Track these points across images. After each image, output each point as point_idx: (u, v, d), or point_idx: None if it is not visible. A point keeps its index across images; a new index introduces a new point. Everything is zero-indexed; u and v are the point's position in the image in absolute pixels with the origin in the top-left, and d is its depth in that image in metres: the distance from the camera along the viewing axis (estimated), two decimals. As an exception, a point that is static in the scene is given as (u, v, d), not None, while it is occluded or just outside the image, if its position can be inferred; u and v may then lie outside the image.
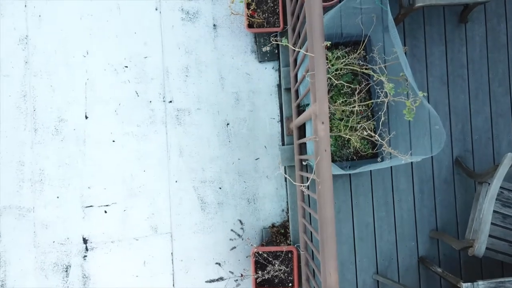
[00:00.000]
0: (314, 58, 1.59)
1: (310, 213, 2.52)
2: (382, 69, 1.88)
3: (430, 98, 2.60)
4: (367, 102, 1.96)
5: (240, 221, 2.41)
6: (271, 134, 2.74)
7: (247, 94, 2.72)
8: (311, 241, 2.38)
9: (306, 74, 1.76)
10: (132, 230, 2.43)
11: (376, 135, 1.67)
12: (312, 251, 2.42)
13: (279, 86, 2.77)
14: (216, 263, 2.40)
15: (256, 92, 2.74)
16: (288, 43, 2.45)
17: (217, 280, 2.19)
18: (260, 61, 2.73)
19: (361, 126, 1.94)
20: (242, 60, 2.71)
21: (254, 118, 2.72)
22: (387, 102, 1.70)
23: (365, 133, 1.70)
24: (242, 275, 2.29)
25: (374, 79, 2.04)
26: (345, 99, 1.98)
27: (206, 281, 2.19)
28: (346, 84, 1.89)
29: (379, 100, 1.78)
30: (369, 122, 1.95)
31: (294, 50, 2.40)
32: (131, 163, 2.46)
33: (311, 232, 2.50)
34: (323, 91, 1.61)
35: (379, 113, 1.80)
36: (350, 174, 2.57)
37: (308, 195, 2.54)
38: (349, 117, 2.11)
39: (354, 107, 1.94)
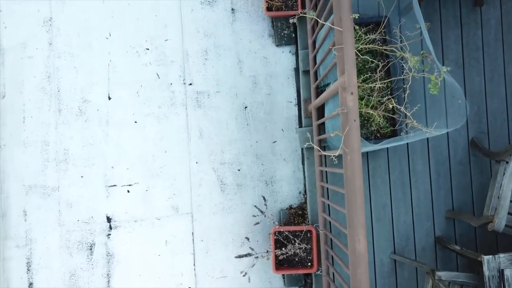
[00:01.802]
0: (343, 31, 1.63)
1: (328, 193, 2.56)
2: (404, 46, 1.92)
3: (446, 81, 2.64)
4: (390, 79, 1.99)
5: (264, 197, 2.44)
6: (288, 117, 2.77)
7: (265, 77, 2.76)
8: (329, 214, 2.41)
9: (332, 48, 1.79)
10: (154, 210, 2.47)
11: (402, 107, 1.71)
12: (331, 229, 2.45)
13: (296, 69, 2.81)
14: (245, 238, 2.43)
15: (273, 75, 2.77)
16: (307, 23, 2.49)
17: (245, 255, 2.23)
18: (277, 45, 2.77)
19: (385, 100, 1.98)
20: (260, 44, 2.75)
21: (271, 102, 2.75)
22: (411, 77, 1.74)
23: (391, 105, 1.73)
24: (267, 251, 2.32)
25: (395, 57, 2.08)
26: (367, 75, 2.01)
27: (236, 256, 2.22)
28: (370, 59, 1.92)
29: (403, 76, 1.81)
30: (391, 96, 1.98)
31: (313, 33, 2.44)
32: (153, 144, 2.50)
33: (329, 210, 2.54)
34: (352, 63, 1.64)
35: (403, 87, 1.83)
36: (367, 155, 2.61)
37: (327, 175, 2.58)
38: (370, 95, 2.14)
39: (376, 84, 1.97)
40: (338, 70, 1.78)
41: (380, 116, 1.93)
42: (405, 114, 1.92)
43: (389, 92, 2.30)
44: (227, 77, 2.69)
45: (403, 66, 1.89)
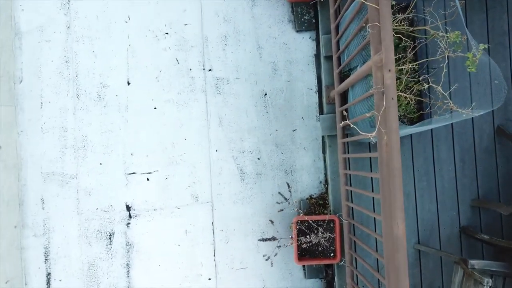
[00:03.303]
0: (380, 5, 1.56)
1: (351, 181, 2.50)
2: (437, 26, 1.85)
3: (471, 73, 2.57)
4: (419, 62, 1.93)
5: (288, 184, 2.37)
6: (308, 105, 2.71)
7: (284, 64, 2.70)
8: (351, 199, 2.35)
9: (366, 25, 1.73)
10: (173, 199, 2.40)
11: (439, 87, 1.65)
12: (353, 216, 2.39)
13: (316, 56, 2.75)
14: (270, 220, 2.36)
15: (293, 62, 2.71)
16: (330, 7, 2.43)
17: (269, 239, 2.17)
18: (297, 31, 2.70)
19: (413, 84, 1.92)
20: (279, 29, 2.69)
21: (291, 89, 2.69)
22: (446, 56, 1.67)
23: (424, 86, 1.67)
24: (291, 237, 2.26)
25: (424, 39, 2.01)
26: (397, 56, 1.95)
27: (259, 239, 2.16)
28: (403, 38, 1.86)
29: (437, 57, 1.75)
30: (421, 79, 1.92)
31: (336, 17, 2.38)
32: (172, 131, 2.44)
33: (352, 199, 2.48)
34: (390, 39, 1.58)
35: (435, 68, 1.76)
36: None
37: (349, 163, 2.52)
38: (398, 78, 2.08)
39: (406, 66, 1.91)
40: (372, 48, 1.72)
41: (411, 99, 1.86)
42: (439, 95, 1.86)
43: (417, 76, 2.24)
44: (246, 63, 2.63)
45: (438, 45, 1.83)
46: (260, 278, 2.54)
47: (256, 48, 2.65)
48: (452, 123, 2.58)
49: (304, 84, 2.72)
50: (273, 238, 2.17)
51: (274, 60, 2.68)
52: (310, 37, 2.73)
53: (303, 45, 2.72)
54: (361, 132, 1.71)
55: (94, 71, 2.35)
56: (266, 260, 2.17)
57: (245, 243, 2.53)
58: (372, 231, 1.95)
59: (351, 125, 2.39)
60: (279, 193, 2.46)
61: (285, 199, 2.31)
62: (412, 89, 2.09)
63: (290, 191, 2.48)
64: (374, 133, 1.62)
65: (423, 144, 2.55)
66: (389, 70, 1.57)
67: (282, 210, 2.33)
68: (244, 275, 2.51)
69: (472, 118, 2.58)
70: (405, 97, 1.82)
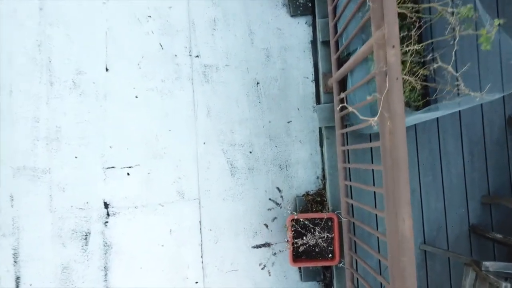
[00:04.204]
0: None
1: (351, 175, 2.30)
2: (445, 3, 1.66)
3: (480, 55, 2.38)
4: (428, 42, 1.74)
5: (278, 188, 2.18)
6: (304, 94, 2.52)
7: (278, 50, 2.51)
8: (351, 196, 2.15)
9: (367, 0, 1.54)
10: (157, 195, 2.21)
11: (449, 66, 1.45)
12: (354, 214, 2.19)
13: (313, 42, 2.56)
14: (264, 224, 2.17)
15: (288, 48, 2.52)
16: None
17: (263, 245, 1.97)
18: (292, 15, 2.51)
19: (418, 68, 1.72)
20: (273, 14, 2.50)
21: (286, 77, 2.50)
22: (457, 31, 1.48)
23: (434, 66, 1.48)
24: (287, 240, 2.06)
25: (429, 19, 1.82)
26: (401, 35, 1.75)
27: (253, 247, 1.96)
28: (408, 14, 1.67)
29: (447, 36, 1.56)
30: (434, 55, 1.72)
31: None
32: (156, 122, 2.24)
33: (351, 195, 2.28)
34: (393, 12, 1.39)
35: (449, 44, 1.57)
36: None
37: (349, 156, 2.32)
38: (402, 61, 1.88)
39: (409, 47, 1.72)
40: (373, 25, 1.53)
41: (417, 82, 1.67)
42: (447, 78, 1.66)
43: (422, 60, 2.05)
44: (237, 49, 2.44)
45: (445, 25, 1.64)
46: (252, 281, 2.34)
47: (247, 33, 2.46)
48: (460, 114, 2.39)
49: (300, 72, 2.53)
50: (267, 244, 1.98)
51: (267, 47, 2.49)
52: (306, 22, 2.54)
53: (299, 30, 2.53)
54: (361, 117, 1.51)
55: (69, 57, 2.16)
56: (262, 269, 1.98)
57: (236, 243, 2.33)
58: (374, 229, 1.76)
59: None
60: (270, 199, 2.27)
61: (277, 204, 2.12)
62: (416, 73, 1.90)
63: (281, 196, 2.29)
64: (376, 118, 1.43)
65: (429, 136, 2.36)
66: (393, 46, 1.38)
67: (276, 218, 2.15)
68: (235, 278, 2.31)
69: (482, 107, 2.39)
70: (409, 82, 1.62)
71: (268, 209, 2.30)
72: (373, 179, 2.34)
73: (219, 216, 2.32)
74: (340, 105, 1.78)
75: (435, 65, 1.47)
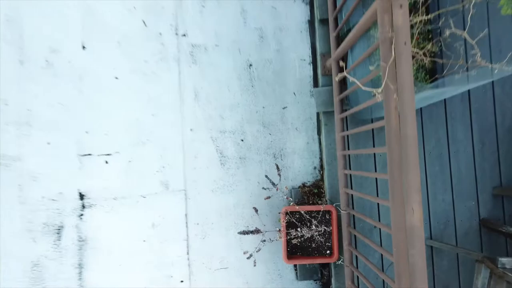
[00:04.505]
0: None
1: (351, 164, 2.11)
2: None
3: (491, 35, 2.19)
4: (438, 12, 1.55)
5: (277, 165, 1.98)
6: (301, 78, 2.33)
7: (273, 31, 2.31)
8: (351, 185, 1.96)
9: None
10: (138, 186, 2.02)
11: (464, 33, 1.26)
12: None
13: (310, 22, 2.37)
14: (253, 208, 1.96)
15: (283, 29, 2.33)
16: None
17: (251, 232, 1.78)
18: (288, -7, 2.32)
19: (425, 44, 1.53)
20: (267, -9, 2.30)
21: (281, 60, 2.31)
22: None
23: (448, 31, 1.29)
24: (279, 229, 1.87)
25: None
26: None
27: (239, 232, 1.77)
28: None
29: (458, 5, 1.37)
30: (447, 21, 1.53)
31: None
32: (138, 106, 2.05)
33: (351, 186, 2.09)
34: (400, -35, 1.20)
35: (463, 7, 1.38)
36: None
37: (349, 143, 2.14)
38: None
39: (418, 18, 1.53)
40: (376, -14, 1.34)
41: (425, 59, 1.48)
42: (459, 52, 1.47)
43: (430, 36, 1.86)
44: (228, 28, 2.25)
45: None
46: (243, 280, 2.15)
47: (239, 11, 2.27)
48: (469, 98, 2.20)
49: (296, 54, 2.34)
50: (257, 231, 1.78)
51: (260, 26, 2.30)
52: (303, 0, 2.35)
53: (295, 9, 2.34)
54: (364, 88, 1.32)
55: (42, 33, 1.96)
56: (248, 258, 1.79)
57: (226, 238, 2.14)
58: (376, 221, 1.57)
59: (351, 96, 2.01)
60: (266, 176, 2.08)
61: (273, 184, 1.92)
62: (423, 49, 1.71)
63: (279, 174, 2.09)
64: (380, 89, 1.23)
65: (436, 122, 2.17)
66: (400, 6, 1.19)
67: (269, 197, 1.95)
68: (224, 277, 2.12)
69: (493, 91, 2.20)
70: (416, 60, 1.43)
71: (263, 188, 2.10)
72: (375, 169, 2.15)
73: (208, 209, 2.12)
74: (339, 75, 1.58)
75: (448, 32, 1.28)
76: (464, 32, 1.27)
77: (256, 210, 1.90)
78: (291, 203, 1.96)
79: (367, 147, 2.14)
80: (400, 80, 1.18)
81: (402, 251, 1.24)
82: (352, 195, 2.11)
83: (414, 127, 1.19)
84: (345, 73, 1.43)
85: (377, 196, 2.13)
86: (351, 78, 1.25)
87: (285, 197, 2.02)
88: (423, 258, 1.16)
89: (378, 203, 2.13)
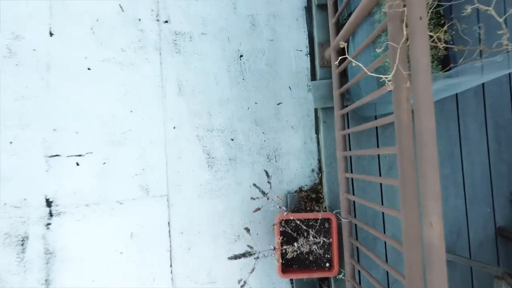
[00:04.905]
0: None
1: (352, 167, 1.89)
2: None
3: (509, 24, 1.97)
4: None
5: (266, 172, 1.77)
6: (298, 71, 2.11)
7: (266, 18, 2.09)
8: (352, 191, 1.75)
9: None
10: (114, 190, 1.79)
11: (491, 8, 1.04)
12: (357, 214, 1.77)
13: (307, 8, 2.15)
14: (245, 228, 1.75)
15: (277, 16, 2.11)
16: None
17: (242, 255, 1.56)
18: (283, -24, 2.10)
19: (439, 30, 1.32)
20: (260, -26, 2.08)
21: (275, 50, 2.09)
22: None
23: (469, 8, 1.07)
24: (274, 247, 1.66)
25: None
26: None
27: (229, 258, 1.56)
28: None
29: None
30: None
31: None
32: (113, 100, 1.83)
33: (353, 191, 1.87)
34: None
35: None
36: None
37: (350, 143, 1.92)
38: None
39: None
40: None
41: (441, 40, 1.26)
42: (480, 36, 1.25)
43: (442, 22, 1.64)
44: (216, 15, 2.03)
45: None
46: (233, 295, 1.93)
47: (229, -4, 2.05)
48: (484, 93, 1.98)
49: (292, 44, 2.12)
50: (249, 254, 1.56)
51: (252, 13, 2.08)
52: (299, -16, 2.13)
53: (291, -6, 2.12)
54: (369, 73, 1.10)
55: (3, 17, 1.73)
56: (242, 286, 1.57)
57: (214, 249, 1.92)
58: (383, 234, 1.35)
59: (352, 90, 1.79)
60: (254, 185, 1.86)
61: (263, 193, 1.71)
62: (437, 32, 1.49)
63: (269, 182, 1.88)
64: (390, 76, 1.02)
65: (446, 119, 1.95)
66: (416, -27, 0.97)
67: (259, 209, 1.74)
68: (213, 292, 1.89)
69: (510, 86, 1.99)
70: (438, 36, 1.21)
71: (251, 198, 1.88)
72: (379, 171, 1.93)
73: (193, 217, 1.90)
74: (340, 58, 1.36)
75: (469, 9, 1.06)
76: (490, 8, 1.05)
77: (248, 230, 1.68)
78: (286, 212, 1.74)
79: (370, 147, 1.92)
80: (414, 63, 0.96)
81: (416, 274, 1.02)
82: (354, 201, 1.89)
83: (432, 120, 0.97)
84: (348, 57, 1.21)
85: (382, 202, 1.92)
86: (354, 62, 1.03)
87: (278, 206, 1.80)
88: (444, 282, 0.95)
89: (382, 191, 1.91)
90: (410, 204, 1.06)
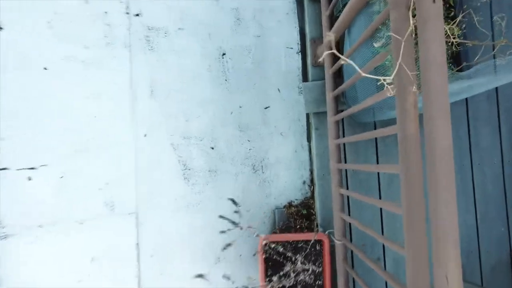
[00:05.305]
0: None
1: (348, 181, 1.66)
2: None
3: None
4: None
5: (233, 200, 1.56)
6: (288, 70, 1.88)
7: (253, 12, 1.86)
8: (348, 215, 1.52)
9: None
10: (73, 208, 1.56)
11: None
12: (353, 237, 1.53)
13: (298, 1, 1.92)
14: (199, 275, 1.53)
15: (265, 9, 1.88)
16: None
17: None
18: (271, -36, 1.87)
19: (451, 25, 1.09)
20: (245, -38, 1.86)
21: (262, 47, 1.86)
22: None
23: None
24: (259, 284, 1.44)
25: None
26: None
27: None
28: None
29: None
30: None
31: None
32: (74, 104, 1.59)
33: (349, 208, 1.63)
34: None
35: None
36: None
37: (345, 153, 1.68)
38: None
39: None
40: None
41: (455, 36, 1.03)
42: (502, 26, 1.03)
43: (451, 14, 1.41)
44: (195, 7, 1.79)
45: None
46: (213, 325, 1.69)
47: (210, -14, 1.82)
48: (497, 95, 1.75)
49: (282, 40, 1.89)
50: (228, 278, 1.32)
51: (237, 6, 1.85)
52: (289, -26, 1.90)
53: (280, -16, 1.89)
54: (364, 74, 0.87)
55: None
56: None
57: (190, 274, 1.68)
58: (382, 271, 1.12)
59: (348, 92, 1.56)
60: (221, 217, 1.64)
61: (234, 223, 1.48)
62: (448, 24, 1.26)
63: (237, 211, 1.66)
64: (389, 77, 0.79)
65: (455, 125, 1.73)
66: None
67: (229, 245, 1.52)
68: (189, 322, 1.66)
69: (527, 88, 1.76)
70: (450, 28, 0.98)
71: (221, 232, 1.66)
72: (378, 186, 1.70)
73: (166, 237, 1.67)
74: (326, 52, 1.13)
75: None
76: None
77: (228, 278, 1.45)
78: (264, 235, 1.51)
79: (369, 157, 1.69)
80: (425, 61, 0.73)
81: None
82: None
83: (448, 138, 0.74)
84: (337, 53, 0.98)
85: (382, 224, 1.68)
86: (345, 60, 0.80)
87: (255, 235, 1.56)
88: None
89: (383, 227, 1.68)
90: (417, 244, 0.83)
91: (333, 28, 1.43)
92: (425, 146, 0.78)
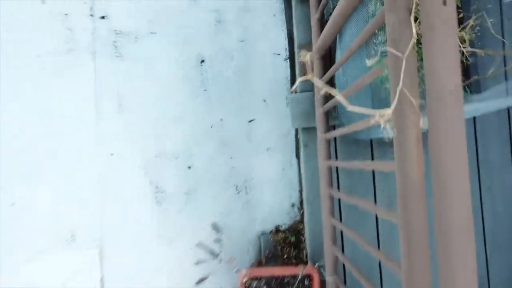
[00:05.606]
0: None
1: (341, 208, 1.47)
2: None
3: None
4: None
5: (214, 225, 1.36)
6: (275, 79, 1.69)
7: (236, 13, 1.67)
8: (342, 248, 1.32)
9: None
10: (24, 241, 1.36)
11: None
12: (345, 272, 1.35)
13: (286, 1, 1.73)
14: None
15: (250, 10, 1.69)
16: None
17: None
18: (255, -39, 1.68)
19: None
20: (226, -42, 1.66)
21: (246, 54, 1.67)
22: None
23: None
24: None
25: None
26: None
27: None
28: None
29: None
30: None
31: None
32: (26, 119, 1.40)
33: (342, 239, 1.44)
34: None
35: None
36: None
37: (338, 176, 1.49)
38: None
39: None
40: None
41: (465, 42, 0.84)
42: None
43: (459, 15, 1.22)
44: (170, 9, 1.60)
45: None
46: None
47: (187, -14, 1.63)
48: (508, 109, 1.56)
49: (268, 46, 1.70)
50: None
51: (218, 7, 1.66)
52: (276, -28, 1.71)
53: (266, -17, 1.70)
54: (349, 108, 0.69)
55: None
56: None
57: (165, 309, 1.49)
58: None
59: (341, 107, 1.38)
60: (199, 245, 1.44)
61: (213, 254, 1.29)
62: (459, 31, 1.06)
63: (218, 239, 1.46)
64: (387, 110, 0.59)
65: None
66: None
67: (203, 279, 1.32)
68: None
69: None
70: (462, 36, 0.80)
71: (196, 263, 1.47)
72: (376, 219, 1.50)
73: (134, 271, 1.47)
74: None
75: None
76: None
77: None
78: (251, 268, 1.32)
79: (365, 181, 1.49)
80: (433, 85, 0.53)
81: None
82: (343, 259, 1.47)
83: (466, 180, 0.55)
84: (320, 82, 0.79)
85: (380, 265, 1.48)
86: (318, 84, 0.61)
87: (235, 270, 1.37)
88: None
89: (380, 262, 1.48)
90: (444, 275, 0.63)
91: (323, 33, 1.23)
92: (433, 194, 0.59)
